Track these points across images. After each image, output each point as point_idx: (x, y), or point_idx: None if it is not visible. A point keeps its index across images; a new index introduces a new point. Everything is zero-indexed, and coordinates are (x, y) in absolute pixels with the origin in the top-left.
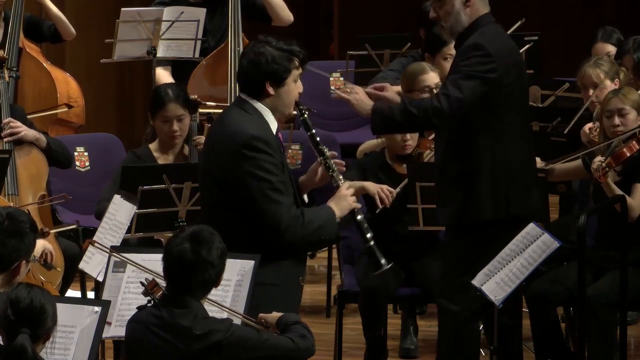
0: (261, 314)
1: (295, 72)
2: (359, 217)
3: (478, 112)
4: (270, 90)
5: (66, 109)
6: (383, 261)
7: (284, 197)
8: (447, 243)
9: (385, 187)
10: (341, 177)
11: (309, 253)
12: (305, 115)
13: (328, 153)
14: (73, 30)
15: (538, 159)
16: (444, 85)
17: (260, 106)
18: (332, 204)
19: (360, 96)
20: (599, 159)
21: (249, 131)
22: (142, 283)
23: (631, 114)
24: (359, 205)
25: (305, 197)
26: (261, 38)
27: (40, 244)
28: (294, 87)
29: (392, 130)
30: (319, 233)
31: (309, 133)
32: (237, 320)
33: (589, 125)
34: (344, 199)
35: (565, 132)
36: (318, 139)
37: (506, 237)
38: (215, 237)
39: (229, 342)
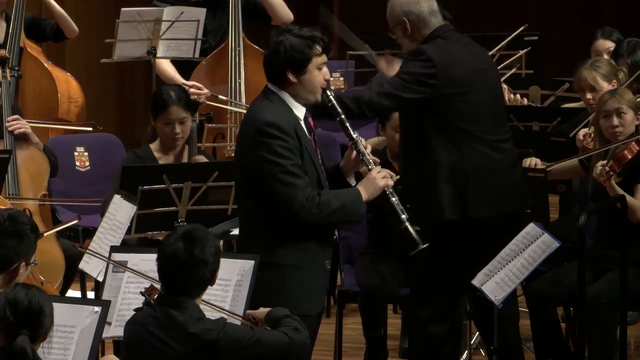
0: (249, 311)
1: (318, 59)
2: (393, 199)
3: (428, 118)
4: (292, 78)
5: (90, 129)
6: (419, 240)
7: (298, 179)
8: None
9: (386, 171)
10: (371, 160)
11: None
12: (334, 102)
13: (358, 138)
14: (76, 27)
15: (538, 160)
16: (382, 81)
17: (283, 94)
18: (360, 186)
19: None
20: (600, 163)
21: (262, 117)
22: (141, 293)
23: (628, 114)
24: (390, 184)
25: (353, 179)
26: (283, 27)
27: None
28: (317, 74)
29: (330, 116)
30: (341, 213)
31: (337, 118)
32: (235, 320)
33: (584, 131)
34: (373, 182)
35: (571, 135)
36: (347, 123)
37: (474, 240)
38: (208, 235)
39: (224, 341)
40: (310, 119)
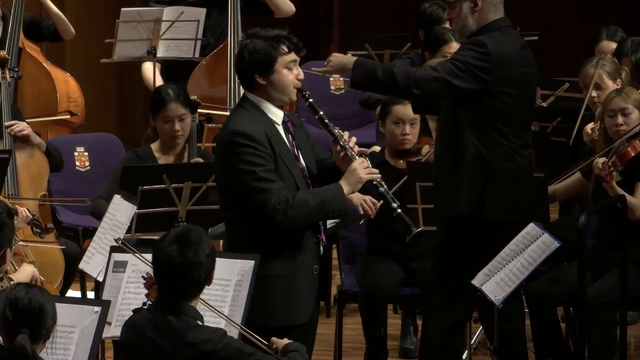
0: (274, 338)
1: (285, 58)
2: (381, 188)
3: (467, 110)
4: (260, 81)
5: (68, 116)
6: (412, 226)
7: (270, 184)
8: (438, 238)
9: (368, 198)
10: (354, 153)
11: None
12: (310, 100)
13: (337, 132)
14: (72, 29)
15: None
16: (435, 65)
17: (256, 98)
18: (342, 180)
19: (335, 57)
20: (603, 159)
21: (231, 127)
22: (143, 277)
23: (634, 113)
24: (378, 176)
25: None
26: (250, 31)
27: (29, 272)
28: (286, 73)
29: (371, 87)
30: (321, 210)
31: (316, 116)
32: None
33: (591, 125)
34: (354, 174)
35: (571, 142)
36: (327, 120)
37: (484, 241)
38: (202, 236)
39: (221, 354)
40: (289, 123)
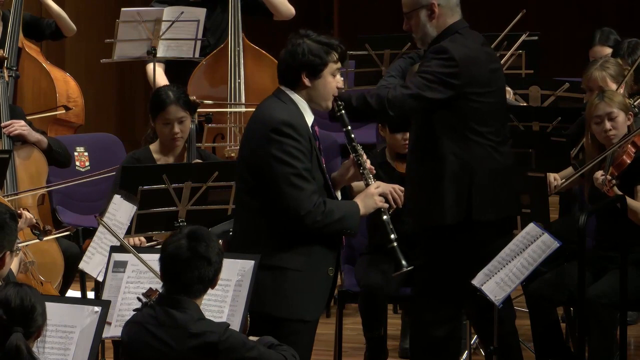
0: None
1: (333, 66)
2: (384, 217)
3: (441, 116)
4: (306, 82)
5: (64, 111)
6: (404, 263)
7: (307, 184)
8: (421, 245)
9: (397, 186)
10: (371, 176)
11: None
12: (343, 112)
13: (361, 151)
14: (74, 26)
15: (556, 175)
16: (405, 81)
17: (296, 97)
18: (358, 200)
19: None
20: (600, 172)
21: (278, 116)
22: (138, 299)
23: (620, 116)
24: (386, 206)
25: (339, 193)
26: (301, 31)
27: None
28: (331, 80)
29: (349, 116)
30: (340, 225)
31: (344, 129)
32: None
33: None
34: (371, 198)
35: (574, 150)
36: (353, 135)
37: (474, 243)
38: (212, 237)
39: (224, 345)
40: (316, 127)
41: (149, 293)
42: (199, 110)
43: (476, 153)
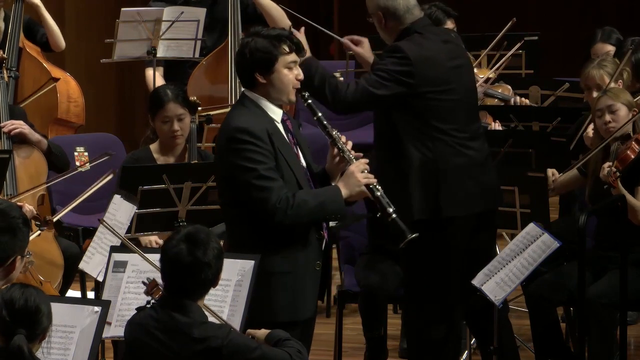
0: (250, 330)
1: (286, 58)
2: (377, 193)
3: (401, 117)
4: (261, 79)
5: (54, 83)
6: (407, 232)
7: (271, 182)
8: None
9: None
10: (352, 156)
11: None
12: (310, 101)
13: (335, 134)
14: (63, 42)
15: (554, 170)
16: (358, 78)
17: (255, 96)
18: (340, 182)
19: (366, 46)
20: (607, 164)
21: (233, 124)
22: (143, 282)
23: (621, 110)
24: (373, 181)
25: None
26: (252, 29)
27: None
28: (286, 73)
29: (308, 88)
30: (321, 212)
31: (315, 117)
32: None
33: (592, 126)
34: (351, 176)
35: (572, 146)
36: (325, 122)
37: (447, 240)
38: (211, 237)
39: (227, 349)
40: (288, 121)
41: (151, 287)
42: (199, 110)
43: (441, 150)
